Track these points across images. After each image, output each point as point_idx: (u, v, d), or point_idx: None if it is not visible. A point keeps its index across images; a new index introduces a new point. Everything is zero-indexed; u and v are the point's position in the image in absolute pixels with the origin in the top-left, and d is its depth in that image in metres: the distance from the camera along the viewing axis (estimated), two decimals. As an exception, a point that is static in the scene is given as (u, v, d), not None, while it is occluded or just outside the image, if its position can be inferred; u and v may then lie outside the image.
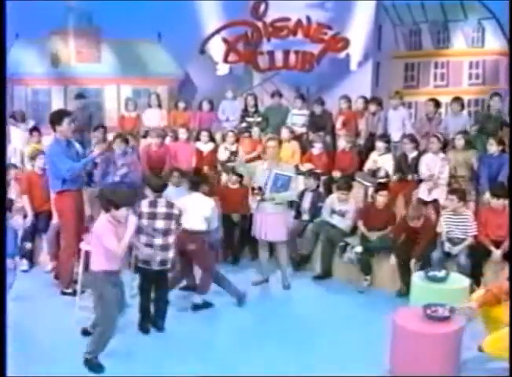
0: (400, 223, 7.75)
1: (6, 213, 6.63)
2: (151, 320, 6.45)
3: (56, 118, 7.14)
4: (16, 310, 6.25)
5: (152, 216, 6.23)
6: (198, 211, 6.80)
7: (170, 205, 6.32)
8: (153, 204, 6.29)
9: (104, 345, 5.50)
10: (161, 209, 6.26)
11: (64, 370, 5.59)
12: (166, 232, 6.24)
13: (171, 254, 6.31)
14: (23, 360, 5.66)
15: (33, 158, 8.45)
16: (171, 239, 6.30)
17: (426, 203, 8.42)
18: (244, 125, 10.78)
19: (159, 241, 6.21)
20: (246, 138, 10.25)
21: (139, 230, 6.15)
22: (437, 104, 10.04)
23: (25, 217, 8.26)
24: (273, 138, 7.76)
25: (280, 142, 7.81)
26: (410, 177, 8.77)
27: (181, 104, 11.13)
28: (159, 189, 6.40)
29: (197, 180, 7.15)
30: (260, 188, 7.29)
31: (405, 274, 7.30)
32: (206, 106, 10.99)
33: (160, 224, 6.22)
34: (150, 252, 6.09)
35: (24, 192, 8.26)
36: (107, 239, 5.23)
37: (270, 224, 7.37)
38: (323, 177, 9.05)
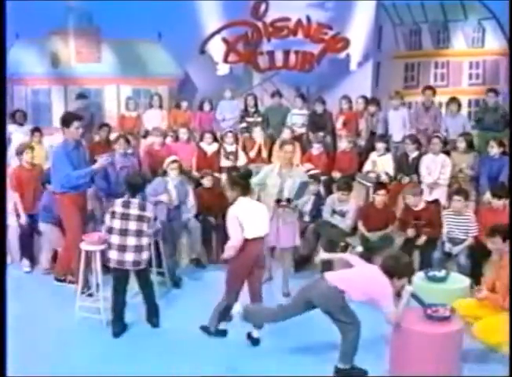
0: (402, 214, 7.87)
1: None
2: (147, 318, 6.55)
3: (66, 120, 7.15)
4: (17, 310, 6.27)
5: (125, 217, 6.20)
6: (260, 216, 6.15)
7: (142, 207, 6.25)
8: (126, 205, 6.23)
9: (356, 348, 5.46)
10: (133, 210, 6.20)
11: (63, 370, 5.61)
12: (138, 234, 6.21)
13: (145, 255, 6.32)
14: (23, 360, 5.67)
15: (20, 153, 8.34)
16: (145, 240, 6.28)
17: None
18: (244, 125, 10.78)
19: (131, 242, 6.20)
20: (247, 139, 10.25)
21: (111, 230, 6.21)
22: (434, 92, 10.09)
23: (18, 216, 8.22)
24: (290, 143, 7.48)
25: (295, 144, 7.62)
26: (408, 179, 8.78)
27: (184, 104, 11.11)
28: (136, 190, 6.34)
29: (247, 184, 6.27)
30: (289, 200, 7.05)
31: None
32: (207, 106, 10.98)
33: (133, 225, 6.19)
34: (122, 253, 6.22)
35: (14, 189, 8.10)
36: (390, 306, 5.18)
37: (286, 231, 7.23)
38: (323, 178, 9.03)
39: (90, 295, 6.87)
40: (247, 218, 5.94)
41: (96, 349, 6.07)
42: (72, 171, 7.00)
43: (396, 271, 5.24)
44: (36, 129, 9.99)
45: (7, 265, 7.96)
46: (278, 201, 7.03)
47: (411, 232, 7.56)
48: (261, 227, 6.09)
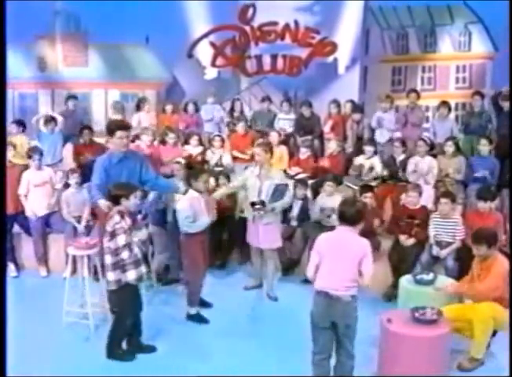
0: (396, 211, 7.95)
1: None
2: None
3: (109, 129, 6.73)
4: (15, 312, 6.30)
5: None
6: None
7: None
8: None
9: None
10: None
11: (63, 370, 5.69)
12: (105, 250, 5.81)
13: (110, 276, 5.71)
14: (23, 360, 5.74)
15: None
16: (107, 258, 5.72)
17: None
18: (229, 127, 10.86)
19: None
20: (235, 134, 10.38)
21: None
22: (419, 95, 10.17)
23: None
24: (261, 144, 7.55)
25: (270, 147, 7.60)
26: (400, 174, 8.85)
27: (169, 108, 11.06)
28: (115, 201, 5.82)
29: None
30: (262, 203, 7.06)
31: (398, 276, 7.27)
32: (191, 107, 10.94)
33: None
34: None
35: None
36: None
37: (267, 233, 7.25)
38: (310, 181, 9.03)
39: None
40: None
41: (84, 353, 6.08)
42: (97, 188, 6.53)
43: (351, 216, 4.96)
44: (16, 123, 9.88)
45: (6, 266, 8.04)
46: (252, 204, 7.10)
47: (403, 237, 7.57)
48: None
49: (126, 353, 5.99)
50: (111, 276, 5.67)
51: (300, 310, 7.13)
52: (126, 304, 5.83)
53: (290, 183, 7.85)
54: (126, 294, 5.77)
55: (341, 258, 4.88)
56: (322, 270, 4.92)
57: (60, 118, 9.97)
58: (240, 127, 10.27)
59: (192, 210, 6.55)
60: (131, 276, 5.67)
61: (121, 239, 5.58)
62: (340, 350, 5.10)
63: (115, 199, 5.79)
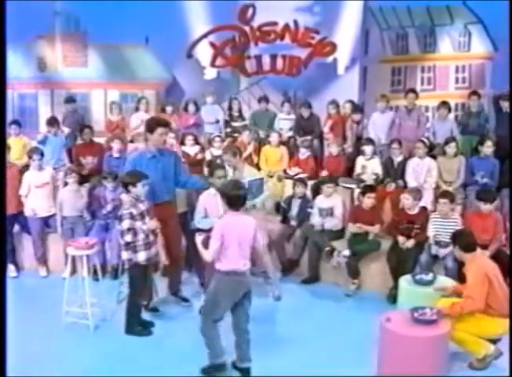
0: (395, 215, 7.89)
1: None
2: None
3: (150, 126, 6.77)
4: (15, 312, 6.31)
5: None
6: None
7: None
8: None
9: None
10: None
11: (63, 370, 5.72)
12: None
13: (124, 254, 6.28)
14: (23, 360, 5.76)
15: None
16: (120, 239, 6.31)
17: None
18: (229, 130, 10.81)
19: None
20: (237, 142, 10.27)
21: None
22: (417, 95, 10.12)
23: None
24: (227, 150, 7.67)
25: (238, 149, 7.71)
26: (394, 185, 8.83)
27: (169, 108, 11.05)
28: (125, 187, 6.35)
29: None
30: None
31: (397, 278, 7.28)
32: (191, 107, 10.93)
33: None
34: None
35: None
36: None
37: None
38: (310, 182, 9.03)
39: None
40: None
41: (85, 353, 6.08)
42: None
43: (241, 200, 5.45)
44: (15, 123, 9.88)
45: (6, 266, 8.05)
46: None
47: (401, 239, 7.55)
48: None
49: (144, 330, 6.48)
50: (124, 254, 6.26)
51: (299, 310, 7.20)
52: (136, 282, 6.34)
53: (264, 176, 8.00)
54: (136, 272, 6.31)
55: (243, 240, 5.42)
56: (229, 254, 5.38)
57: (66, 130, 10.03)
58: (245, 137, 10.20)
59: (203, 206, 6.88)
60: (141, 257, 6.24)
61: (125, 224, 6.13)
62: (241, 312, 5.66)
63: (124, 187, 6.30)
